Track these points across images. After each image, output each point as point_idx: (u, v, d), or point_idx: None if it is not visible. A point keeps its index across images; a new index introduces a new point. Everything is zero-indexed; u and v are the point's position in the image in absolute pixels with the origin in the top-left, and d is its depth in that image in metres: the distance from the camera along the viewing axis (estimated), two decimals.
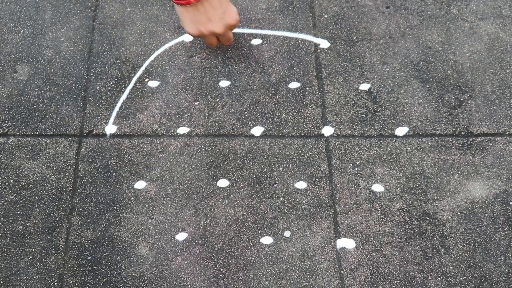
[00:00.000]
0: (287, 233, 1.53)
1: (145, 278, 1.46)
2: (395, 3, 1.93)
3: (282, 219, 1.55)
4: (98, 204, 1.58)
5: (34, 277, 1.47)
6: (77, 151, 1.67)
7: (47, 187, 1.60)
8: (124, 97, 1.76)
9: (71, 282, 1.46)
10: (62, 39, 1.88)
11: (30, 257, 1.50)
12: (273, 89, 1.77)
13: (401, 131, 1.68)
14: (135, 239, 1.53)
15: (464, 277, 1.44)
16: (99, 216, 1.56)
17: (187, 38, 1.88)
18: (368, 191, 1.59)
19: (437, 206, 1.56)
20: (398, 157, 1.64)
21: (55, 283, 1.46)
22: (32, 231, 1.53)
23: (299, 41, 1.86)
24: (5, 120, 1.72)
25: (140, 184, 1.61)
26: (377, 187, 1.59)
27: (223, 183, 1.61)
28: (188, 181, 1.61)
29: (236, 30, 1.89)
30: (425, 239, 1.51)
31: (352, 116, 1.71)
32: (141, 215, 1.56)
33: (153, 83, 1.79)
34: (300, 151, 1.66)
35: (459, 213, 1.55)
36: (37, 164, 1.64)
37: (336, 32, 1.88)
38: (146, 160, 1.65)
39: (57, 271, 1.48)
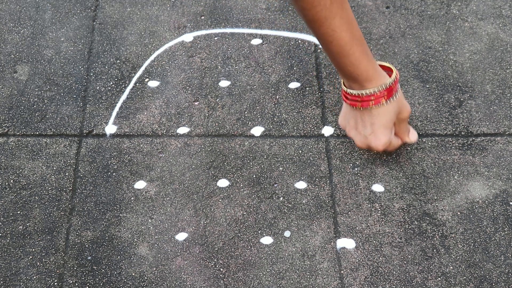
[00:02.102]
0: (287, 233, 1.53)
1: (145, 278, 1.46)
2: (395, 3, 1.94)
3: (282, 219, 1.55)
4: (98, 204, 1.58)
5: (34, 277, 1.47)
6: (77, 151, 1.67)
7: (47, 187, 1.61)
8: (124, 97, 1.76)
9: (71, 282, 1.46)
10: (62, 39, 1.88)
11: (30, 257, 1.50)
12: (273, 89, 1.77)
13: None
14: (135, 239, 1.53)
15: (464, 277, 1.44)
16: (99, 216, 1.56)
17: (187, 38, 1.89)
18: (368, 191, 1.59)
19: (437, 206, 1.56)
20: (398, 157, 1.64)
21: (55, 283, 1.46)
22: (32, 231, 1.54)
23: (299, 41, 1.87)
24: (5, 120, 1.72)
25: (140, 184, 1.61)
26: (377, 187, 1.59)
27: (223, 183, 1.61)
28: (188, 181, 1.61)
29: (236, 30, 1.89)
30: (425, 239, 1.51)
31: None
32: (141, 215, 1.56)
33: (153, 83, 1.79)
34: (300, 151, 1.66)
35: (459, 213, 1.55)
36: (37, 164, 1.64)
37: None
38: (146, 160, 1.65)
39: (57, 271, 1.48)
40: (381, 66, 1.37)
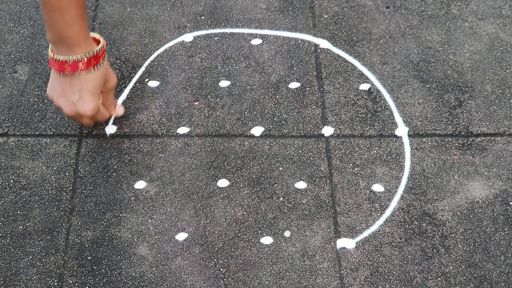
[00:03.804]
0: (287, 233, 1.53)
1: (145, 278, 1.46)
2: (395, 3, 1.94)
3: (282, 219, 1.55)
4: (98, 204, 1.58)
5: (34, 277, 1.47)
6: (77, 151, 1.67)
7: (47, 187, 1.61)
8: (124, 97, 1.76)
9: (71, 282, 1.46)
10: None
11: (30, 257, 1.50)
12: (273, 89, 1.77)
13: (401, 131, 1.69)
14: (135, 239, 1.53)
15: (464, 277, 1.44)
16: (99, 216, 1.56)
17: (187, 38, 1.89)
18: (368, 191, 1.59)
19: (437, 206, 1.56)
20: (398, 157, 1.64)
21: (55, 283, 1.46)
22: (32, 231, 1.54)
23: (299, 41, 1.87)
24: (5, 120, 1.72)
25: (140, 184, 1.61)
26: (377, 187, 1.59)
27: (223, 183, 1.61)
28: (188, 181, 1.61)
29: (236, 30, 1.89)
30: (425, 239, 1.51)
31: (352, 116, 1.71)
32: (141, 215, 1.56)
33: (153, 83, 1.79)
34: (300, 151, 1.66)
35: (459, 213, 1.55)
36: (37, 164, 1.64)
37: (336, 32, 1.88)
38: (146, 160, 1.65)
39: (57, 271, 1.48)
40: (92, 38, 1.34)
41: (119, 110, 1.59)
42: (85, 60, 1.27)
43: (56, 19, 1.21)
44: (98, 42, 1.37)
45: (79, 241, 1.53)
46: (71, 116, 1.48)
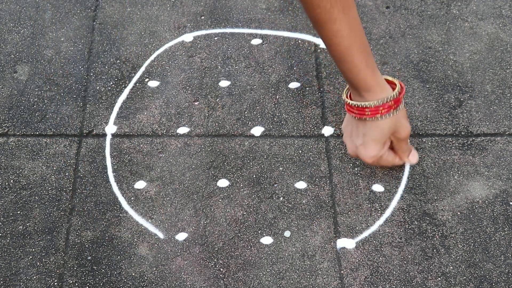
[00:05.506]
0: (287, 233, 1.53)
1: (145, 278, 1.46)
2: (395, 3, 1.94)
3: (282, 219, 1.55)
4: (98, 204, 1.58)
5: (34, 277, 1.47)
6: (77, 151, 1.67)
7: (47, 187, 1.61)
8: (124, 97, 1.76)
9: (71, 282, 1.46)
10: (62, 39, 1.88)
11: (30, 257, 1.50)
12: (273, 89, 1.77)
13: None
14: (135, 239, 1.53)
15: (464, 277, 1.44)
16: (99, 216, 1.56)
17: (187, 38, 1.89)
18: (368, 191, 1.59)
19: (437, 206, 1.56)
20: None
21: (55, 283, 1.46)
22: (32, 231, 1.54)
23: (299, 41, 1.87)
24: (5, 120, 1.72)
25: (140, 184, 1.61)
26: (377, 187, 1.59)
27: (223, 183, 1.61)
28: (188, 181, 1.61)
29: (236, 30, 1.89)
30: (425, 239, 1.51)
31: None
32: (141, 215, 1.56)
33: (153, 83, 1.79)
34: (300, 151, 1.66)
35: (459, 213, 1.55)
36: (37, 164, 1.64)
37: None
38: (146, 160, 1.65)
39: (57, 271, 1.48)
40: (387, 80, 1.26)
41: (413, 159, 1.48)
42: (372, 108, 1.20)
43: (342, 68, 1.21)
44: (394, 85, 1.27)
45: (79, 241, 1.53)
46: (351, 156, 1.41)
